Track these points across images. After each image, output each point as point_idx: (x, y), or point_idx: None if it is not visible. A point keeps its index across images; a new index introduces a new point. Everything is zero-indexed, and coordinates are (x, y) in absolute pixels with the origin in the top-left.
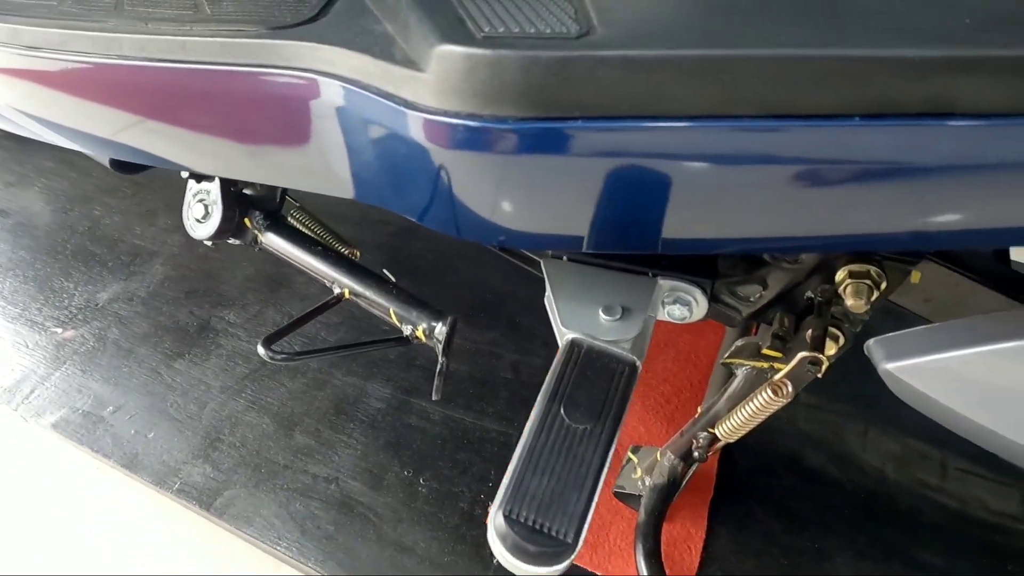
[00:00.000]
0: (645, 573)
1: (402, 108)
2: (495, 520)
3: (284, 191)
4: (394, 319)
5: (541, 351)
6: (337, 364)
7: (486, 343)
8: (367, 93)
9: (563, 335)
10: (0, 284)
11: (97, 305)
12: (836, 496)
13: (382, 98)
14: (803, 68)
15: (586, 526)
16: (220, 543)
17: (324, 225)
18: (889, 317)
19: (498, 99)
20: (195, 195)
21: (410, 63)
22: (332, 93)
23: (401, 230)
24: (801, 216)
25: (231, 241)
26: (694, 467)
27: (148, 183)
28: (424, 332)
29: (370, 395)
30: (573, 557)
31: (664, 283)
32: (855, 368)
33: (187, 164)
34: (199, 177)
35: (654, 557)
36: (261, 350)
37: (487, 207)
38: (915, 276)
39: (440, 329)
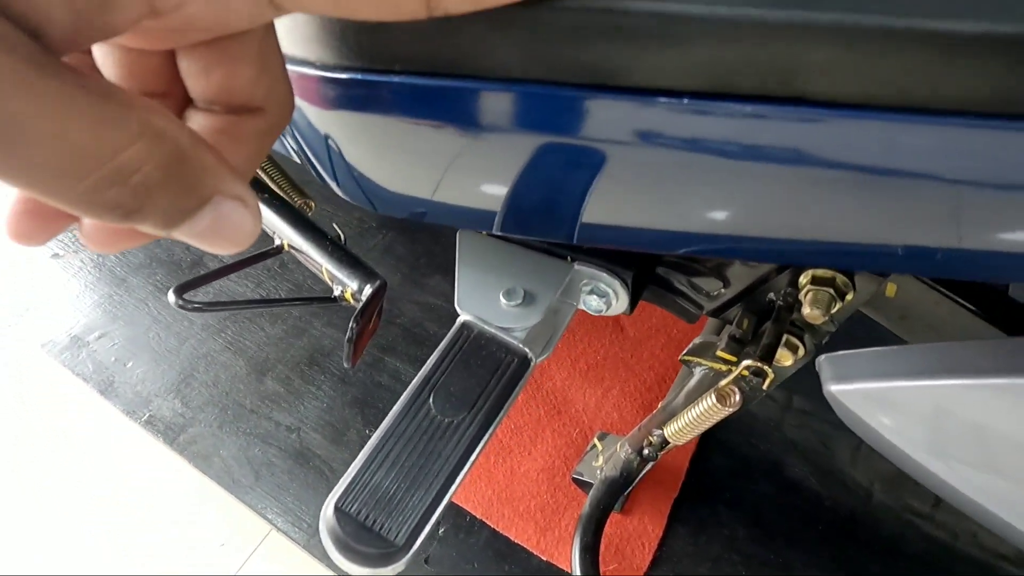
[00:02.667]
0: (578, 569)
1: None
2: (325, 511)
3: None
4: (326, 277)
5: None
6: (318, 314)
7: None
8: None
9: (458, 317)
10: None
11: None
12: (812, 511)
13: None
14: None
15: (426, 529)
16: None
17: (282, 171)
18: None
19: (329, 44)
20: None
21: None
22: None
23: None
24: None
25: None
26: (650, 464)
27: None
28: (352, 294)
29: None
30: (405, 561)
31: (581, 269)
32: None
33: None
34: None
35: (590, 552)
36: (171, 297)
37: (367, 170)
38: (890, 289)
39: (367, 292)
